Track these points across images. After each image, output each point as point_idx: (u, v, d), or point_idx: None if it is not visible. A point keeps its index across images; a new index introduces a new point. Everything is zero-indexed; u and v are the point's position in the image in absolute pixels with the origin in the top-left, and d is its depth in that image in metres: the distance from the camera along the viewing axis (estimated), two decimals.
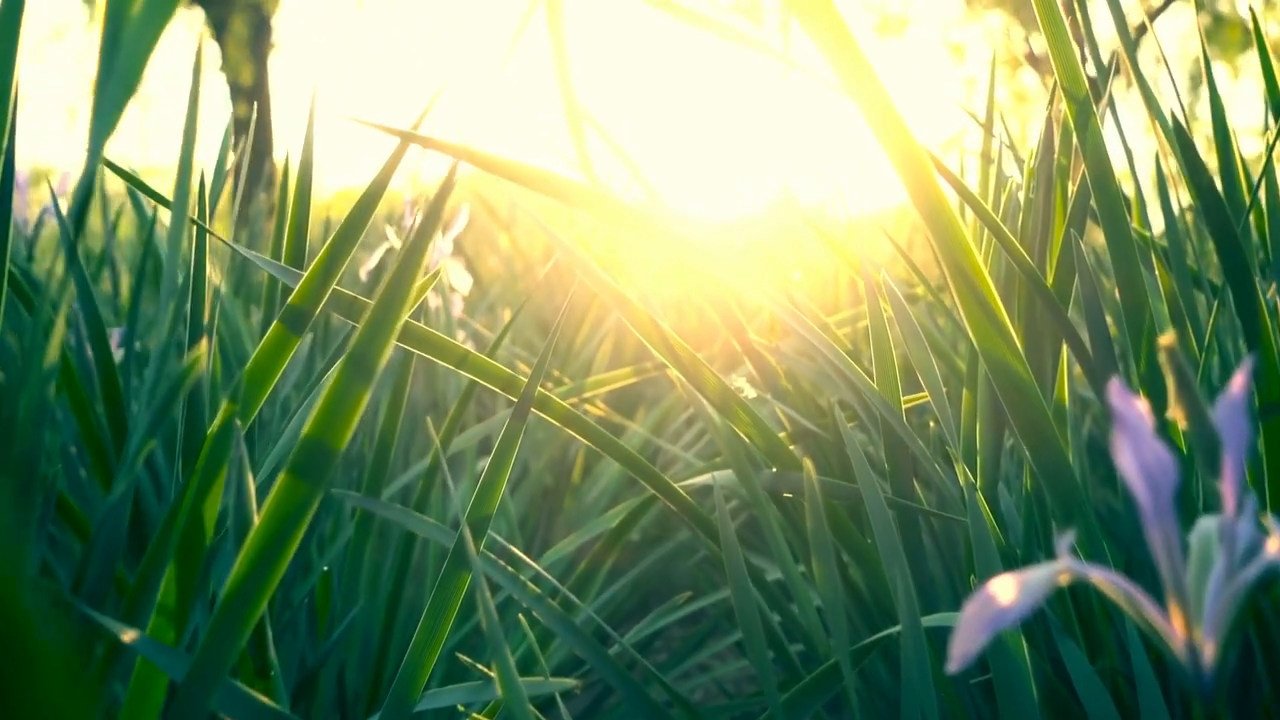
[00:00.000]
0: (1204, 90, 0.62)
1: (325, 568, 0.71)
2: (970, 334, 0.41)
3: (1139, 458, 0.26)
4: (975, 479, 0.55)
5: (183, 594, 0.36)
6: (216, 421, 0.37)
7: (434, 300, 1.14)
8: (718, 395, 0.57)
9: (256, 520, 0.35)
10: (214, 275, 0.86)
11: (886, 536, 0.45)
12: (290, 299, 0.45)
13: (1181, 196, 0.60)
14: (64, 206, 1.09)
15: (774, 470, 0.58)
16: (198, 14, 11.31)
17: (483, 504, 0.53)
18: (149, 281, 1.06)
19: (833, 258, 1.44)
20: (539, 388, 0.54)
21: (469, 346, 0.58)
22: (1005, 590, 0.28)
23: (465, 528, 0.35)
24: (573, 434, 0.57)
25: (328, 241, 0.45)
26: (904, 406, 0.58)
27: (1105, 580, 0.28)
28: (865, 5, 12.47)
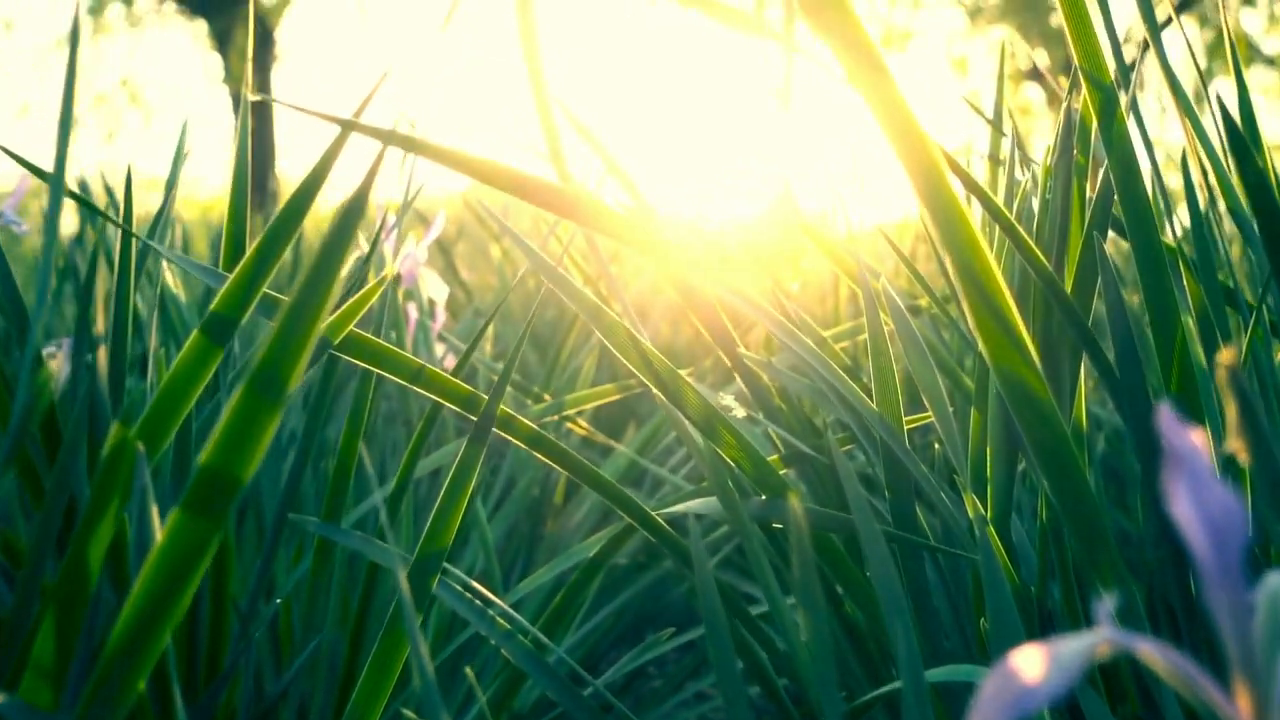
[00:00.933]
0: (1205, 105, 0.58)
1: (278, 600, 0.66)
2: (982, 348, 0.35)
3: (1200, 506, 0.21)
4: (985, 509, 0.49)
5: (62, 648, 0.31)
6: (107, 446, 0.32)
7: (414, 313, 1.09)
8: (701, 415, 0.52)
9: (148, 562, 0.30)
10: (177, 286, 0.81)
11: (886, 578, 0.40)
12: (212, 305, 0.40)
13: (1200, 201, 0.55)
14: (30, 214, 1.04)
15: (762, 498, 0.53)
16: (201, 26, 11.32)
17: (436, 538, 0.48)
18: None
19: (832, 267, 1.39)
20: (515, 405, 0.49)
21: (450, 361, 0.53)
22: (1031, 664, 0.22)
23: (403, 586, 0.30)
24: (542, 458, 0.52)
25: (253, 244, 0.40)
26: (906, 427, 0.52)
27: (1156, 655, 0.22)
28: (869, 19, 12.47)
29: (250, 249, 0.40)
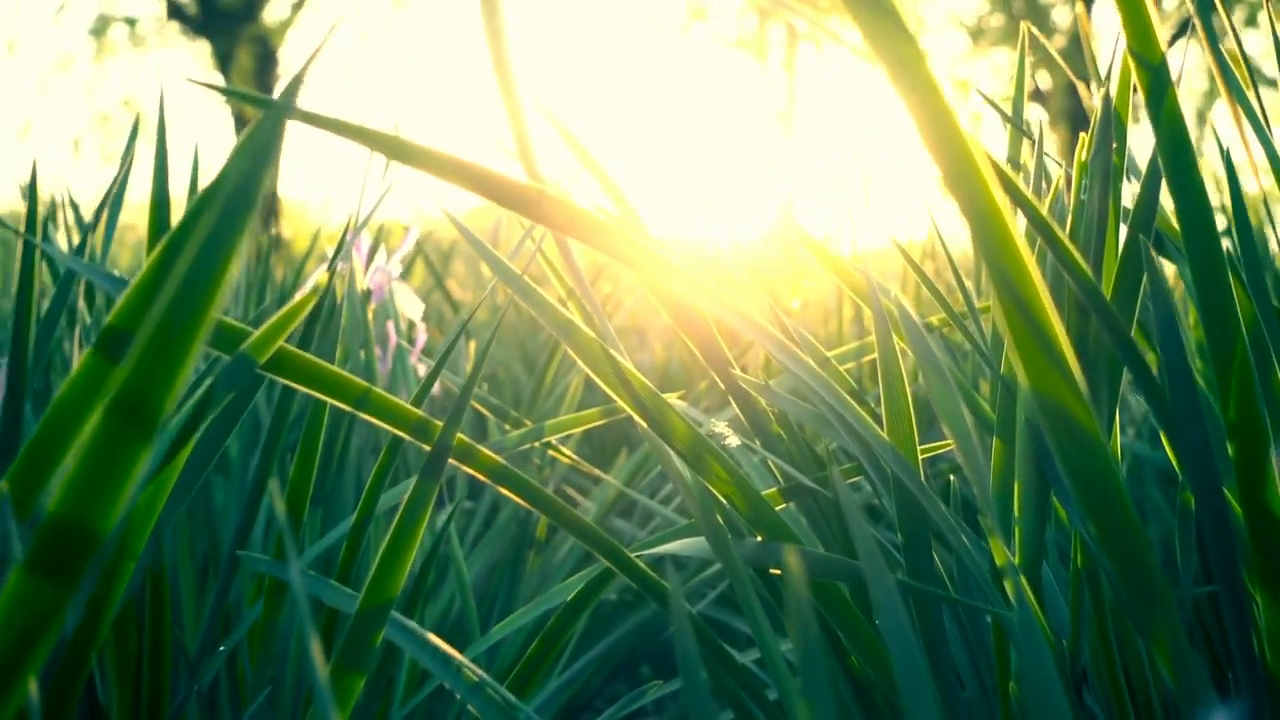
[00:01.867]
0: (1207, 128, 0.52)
1: (223, 648, 0.60)
2: (1019, 370, 0.29)
3: None
4: (1014, 555, 0.43)
5: None
6: None
7: (393, 332, 1.03)
8: (689, 445, 0.45)
9: None
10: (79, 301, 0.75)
11: (900, 636, 0.34)
12: (109, 318, 0.34)
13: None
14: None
15: (758, 539, 0.47)
16: (204, 46, 11.32)
17: (382, 588, 0.41)
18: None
19: (835, 286, 1.33)
20: (493, 432, 0.43)
21: (436, 387, 0.47)
22: None
23: (315, 656, 0.24)
24: (510, 492, 0.46)
25: (154, 253, 0.34)
26: (921, 457, 0.46)
27: None
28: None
29: (152, 254, 0.34)
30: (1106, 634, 0.44)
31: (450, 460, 0.45)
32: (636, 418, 0.45)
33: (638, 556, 0.52)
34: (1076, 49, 11.06)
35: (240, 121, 11.81)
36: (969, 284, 0.68)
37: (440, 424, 0.42)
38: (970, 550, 0.41)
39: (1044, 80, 11.68)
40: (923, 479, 0.41)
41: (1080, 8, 0.79)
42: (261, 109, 0.27)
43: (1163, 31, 0.45)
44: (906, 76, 0.29)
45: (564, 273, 0.58)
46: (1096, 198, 0.42)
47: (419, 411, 0.43)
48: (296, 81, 0.32)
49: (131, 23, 12.16)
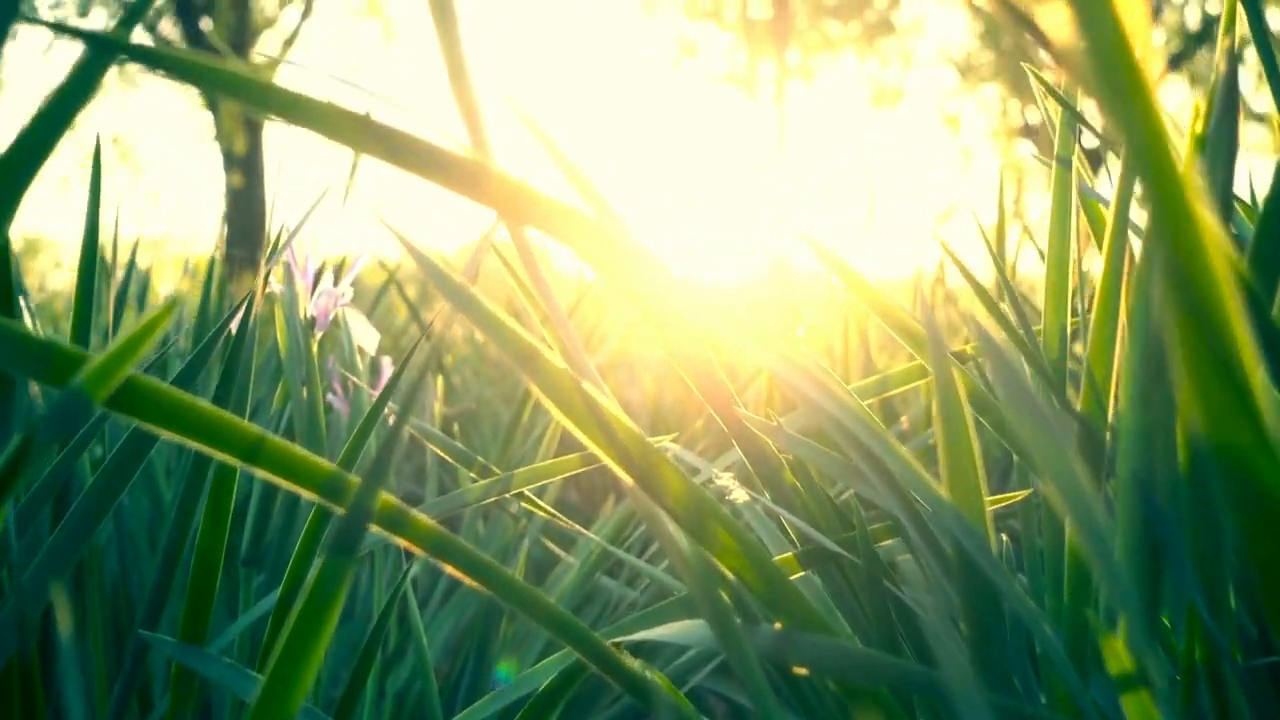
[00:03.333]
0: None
1: None
2: (1199, 414, 0.19)
3: None
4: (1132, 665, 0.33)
5: None
6: None
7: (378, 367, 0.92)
8: (687, 506, 0.35)
9: None
10: None
11: None
12: None
13: None
14: None
15: (775, 626, 0.36)
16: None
17: (278, 698, 0.31)
18: None
19: (839, 318, 1.23)
20: (453, 483, 0.32)
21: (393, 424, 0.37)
22: None
23: None
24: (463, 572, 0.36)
25: None
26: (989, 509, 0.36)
27: None
28: (861, 77, 12.49)
29: None
30: None
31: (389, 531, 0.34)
32: (617, 471, 0.34)
33: (623, 642, 0.42)
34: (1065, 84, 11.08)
35: (229, 158, 11.76)
36: (1000, 307, 0.58)
37: (373, 480, 0.32)
38: (1062, 656, 0.30)
39: (1034, 115, 11.70)
40: (998, 558, 0.31)
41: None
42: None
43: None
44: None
45: (529, 289, 0.48)
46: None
47: (328, 465, 0.32)
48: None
49: (121, 62, 12.14)
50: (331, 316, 0.67)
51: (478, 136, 0.33)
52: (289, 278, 0.66)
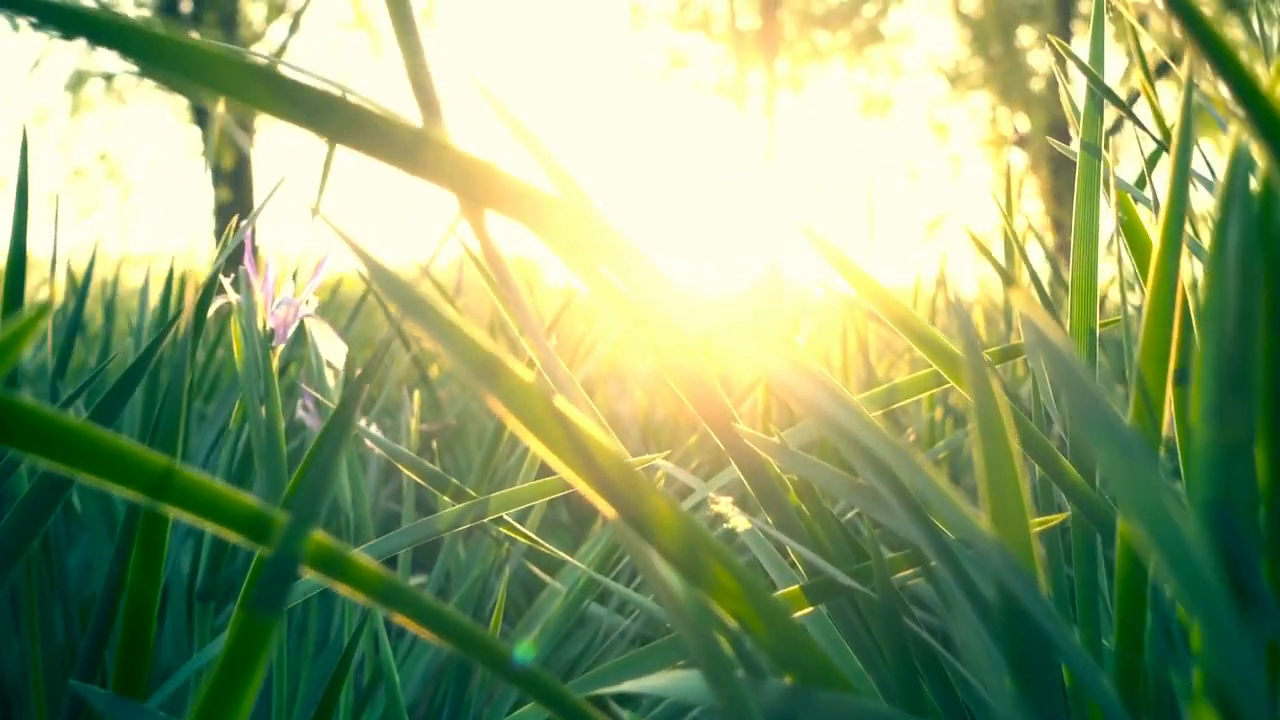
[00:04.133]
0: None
1: None
2: None
3: None
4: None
5: None
6: None
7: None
8: (678, 540, 0.30)
9: None
10: None
11: None
12: None
13: None
14: None
15: (785, 681, 0.31)
16: (180, 100, 11.23)
17: None
18: None
19: (841, 326, 1.18)
20: (425, 509, 0.27)
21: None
22: None
23: None
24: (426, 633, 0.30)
25: None
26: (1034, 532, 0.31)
27: None
28: (850, 86, 12.48)
29: None
30: None
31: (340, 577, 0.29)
32: (597, 501, 0.29)
33: (605, 695, 0.37)
34: (1053, 92, 11.09)
35: (218, 173, 11.69)
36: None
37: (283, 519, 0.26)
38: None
39: (1023, 124, 11.71)
40: (1051, 607, 0.26)
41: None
42: None
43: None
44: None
45: (503, 293, 0.43)
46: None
47: (249, 501, 0.27)
48: None
49: (109, 78, 12.10)
50: (294, 328, 0.61)
51: (426, 99, 0.28)
52: (246, 286, 0.61)
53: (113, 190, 12.49)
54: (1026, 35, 11.58)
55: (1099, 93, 0.47)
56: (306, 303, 0.62)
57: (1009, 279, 0.44)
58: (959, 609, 0.32)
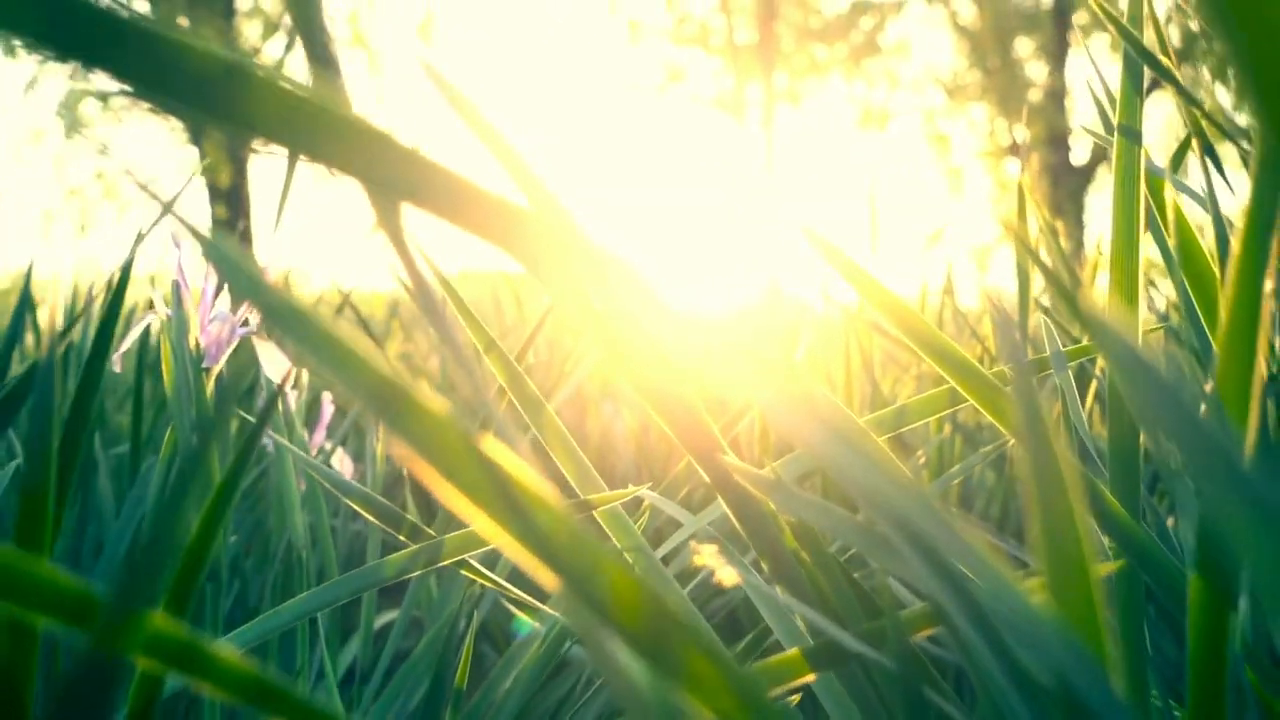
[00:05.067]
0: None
1: None
2: None
3: None
4: None
5: None
6: None
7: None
8: (643, 620, 0.23)
9: None
10: None
11: None
12: None
13: None
14: None
15: None
16: (176, 120, 11.20)
17: None
18: None
19: (844, 340, 1.12)
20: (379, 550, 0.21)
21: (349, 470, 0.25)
22: None
23: None
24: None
25: None
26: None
27: None
28: (848, 99, 12.43)
29: None
30: None
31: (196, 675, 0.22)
32: (536, 570, 0.23)
33: None
34: (1052, 103, 11.06)
35: (214, 190, 11.66)
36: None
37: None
38: None
39: (1021, 134, 11.67)
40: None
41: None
42: None
43: None
44: None
45: (411, 294, 0.36)
46: None
47: (68, 580, 0.20)
48: None
49: (104, 98, 12.10)
50: (230, 347, 0.55)
51: (318, 54, 0.22)
52: (177, 299, 0.54)
53: (109, 208, 12.45)
54: (1024, 46, 11.56)
55: (1137, 58, 0.40)
56: (244, 320, 0.56)
57: (1062, 284, 0.38)
58: (992, 682, 0.26)
